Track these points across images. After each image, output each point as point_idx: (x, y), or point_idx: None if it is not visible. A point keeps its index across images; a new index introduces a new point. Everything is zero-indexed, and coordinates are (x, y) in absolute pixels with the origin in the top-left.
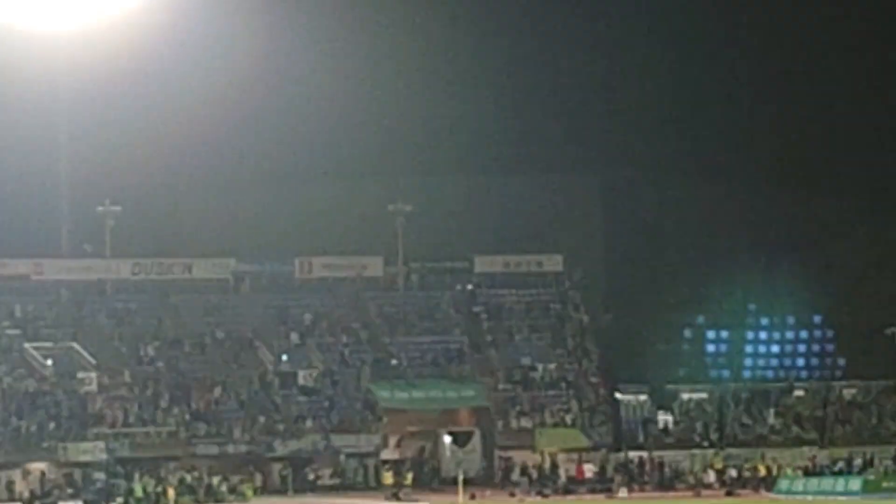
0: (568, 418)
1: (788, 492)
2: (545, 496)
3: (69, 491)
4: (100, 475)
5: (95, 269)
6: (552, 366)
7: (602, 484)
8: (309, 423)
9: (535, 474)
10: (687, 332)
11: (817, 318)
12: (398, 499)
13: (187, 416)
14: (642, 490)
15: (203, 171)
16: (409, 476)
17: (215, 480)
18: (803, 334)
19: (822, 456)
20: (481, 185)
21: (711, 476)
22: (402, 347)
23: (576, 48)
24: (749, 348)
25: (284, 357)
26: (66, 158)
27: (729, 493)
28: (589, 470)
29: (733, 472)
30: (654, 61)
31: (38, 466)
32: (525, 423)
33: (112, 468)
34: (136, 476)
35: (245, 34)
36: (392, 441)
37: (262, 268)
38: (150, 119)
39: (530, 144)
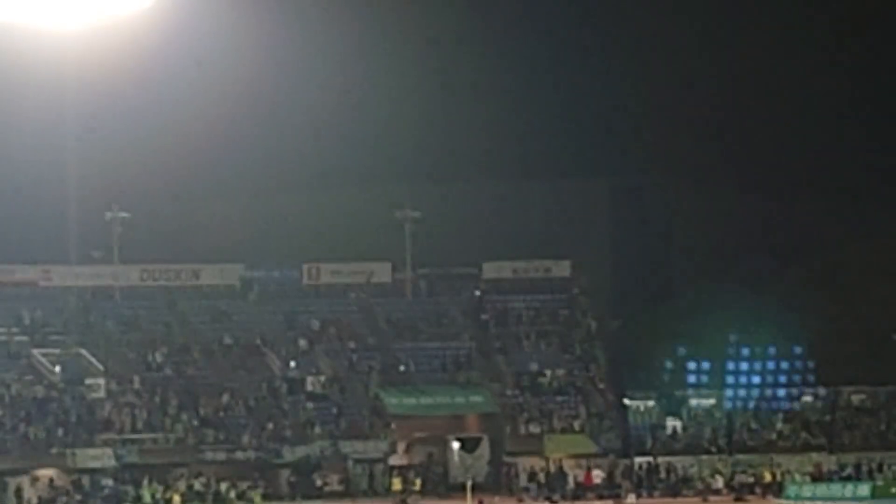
0: (576, 424)
1: (797, 497)
2: (553, 502)
3: (77, 497)
4: (108, 481)
5: (103, 276)
6: (560, 371)
7: (610, 490)
8: (317, 430)
9: (543, 480)
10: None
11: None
12: None
13: (195, 423)
14: (650, 496)
15: (211, 177)
16: (418, 482)
17: (223, 487)
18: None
19: (831, 461)
20: (489, 192)
21: (720, 482)
22: (411, 353)
23: (583, 54)
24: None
25: (292, 363)
26: (74, 164)
27: (737, 499)
28: (597, 476)
29: (742, 478)
30: (663, 68)
31: (46, 473)
32: (533, 428)
33: (120, 474)
34: (145, 482)
35: (254, 40)
36: (400, 447)
37: (271, 274)
38: (158, 125)
39: (538, 151)
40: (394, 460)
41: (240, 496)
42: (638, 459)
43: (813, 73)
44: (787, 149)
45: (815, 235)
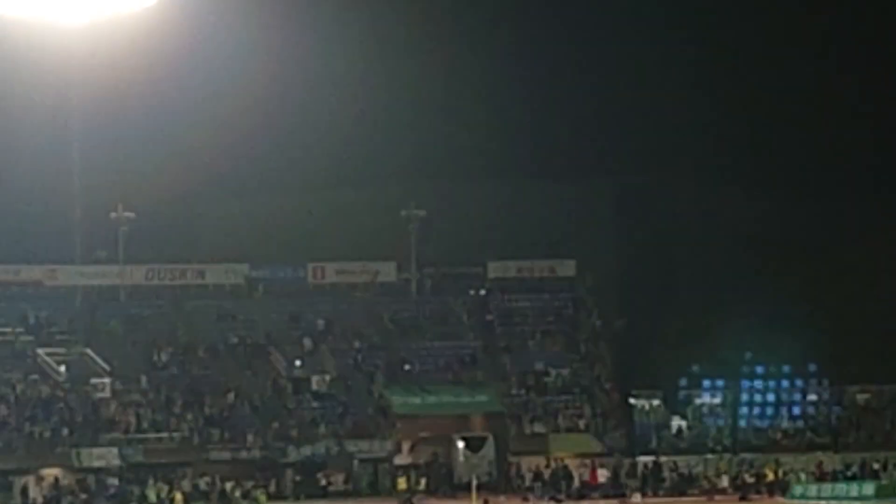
0: (581, 423)
1: (802, 497)
2: (558, 501)
3: (83, 496)
4: (113, 481)
5: (109, 275)
6: (565, 371)
7: (615, 489)
8: (322, 429)
9: (548, 479)
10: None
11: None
12: None
13: (201, 422)
14: (656, 495)
15: (216, 177)
16: (423, 481)
17: (228, 486)
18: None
19: (836, 461)
20: (494, 191)
21: (725, 481)
22: (416, 353)
23: (590, 54)
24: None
25: (298, 362)
26: (79, 164)
27: (742, 498)
28: (602, 475)
29: (747, 477)
30: (669, 67)
31: (51, 472)
32: (538, 428)
33: (125, 474)
34: (150, 482)
35: (260, 39)
36: (405, 446)
37: (276, 273)
38: (163, 125)
39: (543, 150)
40: (399, 460)
41: (245, 495)
42: (643, 459)
43: (820, 71)
44: (793, 148)
45: (821, 234)
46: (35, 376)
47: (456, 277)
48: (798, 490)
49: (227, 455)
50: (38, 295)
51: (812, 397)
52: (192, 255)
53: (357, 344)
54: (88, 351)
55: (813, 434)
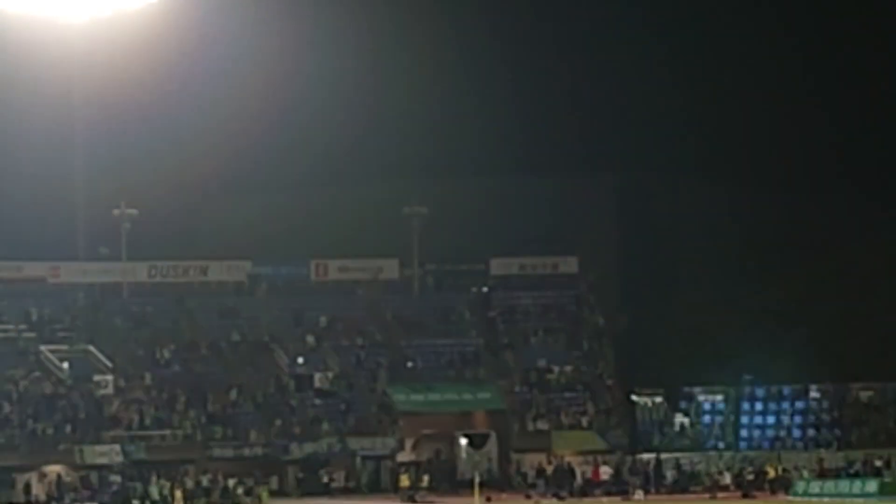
0: (584, 420)
1: (805, 494)
2: (561, 498)
3: (85, 493)
4: (116, 478)
5: (112, 272)
6: (568, 368)
7: (618, 486)
8: (325, 426)
9: (550, 476)
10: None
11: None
12: (414, 501)
13: (203, 419)
14: (658, 492)
15: (219, 174)
16: (425, 478)
17: (231, 483)
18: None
19: (839, 458)
20: (496, 188)
21: (727, 478)
22: (418, 350)
23: (591, 51)
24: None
25: (300, 360)
26: (82, 161)
27: (745, 496)
28: (605, 472)
29: (749, 475)
30: (671, 64)
31: (54, 469)
32: (541, 425)
33: (128, 471)
34: (153, 479)
35: (262, 37)
36: (408, 443)
37: (278, 270)
38: (166, 122)
39: (546, 147)
40: (401, 457)
41: (247, 493)
42: (645, 456)
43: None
44: (795, 146)
45: (823, 232)
46: (38, 373)
47: (458, 274)
48: (800, 487)
49: (229, 452)
50: (41, 292)
51: (815, 395)
52: (195, 252)
53: (359, 341)
54: (91, 348)
55: (816, 431)
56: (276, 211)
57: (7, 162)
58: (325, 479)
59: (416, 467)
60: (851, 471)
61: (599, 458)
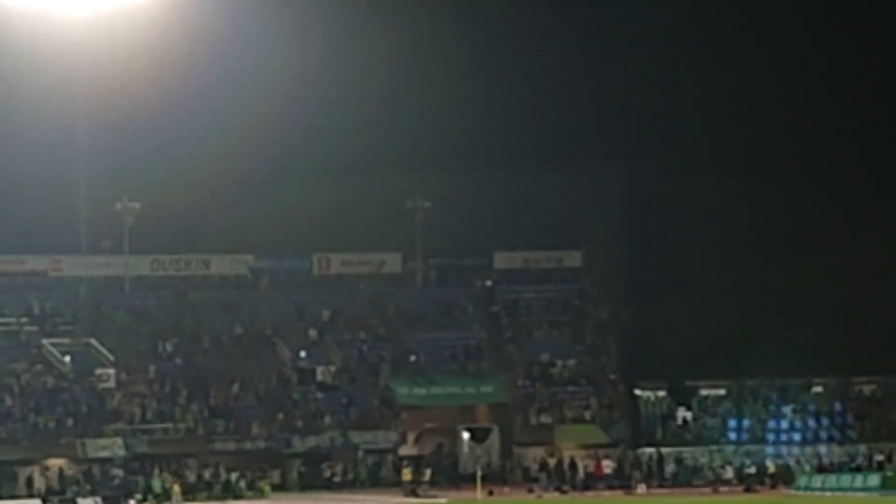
0: (587, 414)
1: (807, 488)
2: (563, 492)
3: (87, 487)
4: (118, 471)
5: (114, 266)
6: (571, 362)
7: (620, 480)
8: (327, 420)
9: (553, 470)
10: None
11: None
12: (416, 495)
13: (205, 413)
14: (661, 486)
15: (221, 167)
16: (428, 472)
17: (233, 477)
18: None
19: (841, 452)
20: (500, 182)
21: (730, 472)
22: (421, 344)
23: (597, 42)
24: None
25: (303, 353)
26: (84, 155)
27: (747, 490)
28: (607, 466)
29: (751, 469)
30: (678, 54)
31: (56, 462)
32: (544, 419)
33: (130, 464)
34: (155, 472)
35: (264, 31)
36: (410, 437)
37: (281, 264)
38: (169, 116)
39: (550, 140)
40: (404, 451)
41: (249, 486)
42: (648, 450)
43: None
44: (802, 139)
45: (827, 226)
46: (40, 367)
47: (461, 268)
48: (803, 481)
49: (231, 446)
50: (43, 285)
51: (818, 389)
52: (197, 245)
53: (362, 335)
54: (93, 341)
55: (818, 425)
56: (278, 205)
57: (9, 155)
58: (327, 473)
59: (418, 461)
60: (853, 465)
61: (602, 452)
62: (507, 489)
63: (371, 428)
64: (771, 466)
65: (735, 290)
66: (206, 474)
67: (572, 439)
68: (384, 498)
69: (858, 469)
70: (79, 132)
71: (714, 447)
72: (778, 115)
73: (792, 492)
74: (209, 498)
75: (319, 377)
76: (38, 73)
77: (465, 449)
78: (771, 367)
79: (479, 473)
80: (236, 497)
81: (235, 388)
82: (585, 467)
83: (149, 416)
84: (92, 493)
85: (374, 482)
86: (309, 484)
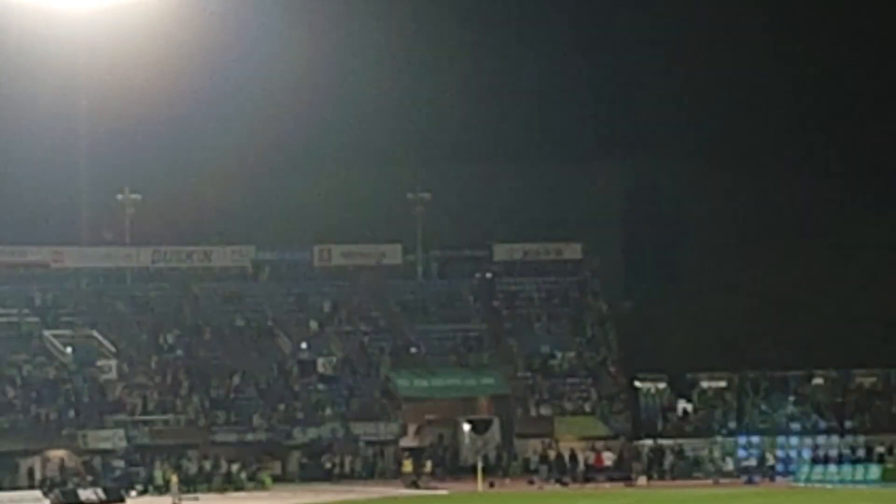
0: (587, 406)
1: (807, 480)
2: (564, 484)
3: (88, 478)
4: (119, 463)
5: (115, 257)
6: (571, 354)
7: (621, 472)
8: (328, 411)
9: (553, 462)
10: None
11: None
12: (417, 486)
13: (206, 404)
14: (661, 478)
15: (222, 159)
16: (428, 464)
17: (234, 468)
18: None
19: (841, 444)
20: (500, 174)
21: (730, 464)
22: (422, 335)
23: (595, 35)
24: None
25: (303, 345)
26: (85, 146)
27: (748, 482)
28: (608, 458)
29: (752, 461)
30: (676, 49)
31: (57, 454)
32: (544, 411)
33: (131, 456)
34: (156, 464)
35: (266, 23)
36: (411, 429)
37: (282, 256)
38: (169, 107)
39: (550, 132)
40: (405, 442)
41: (250, 478)
42: (648, 442)
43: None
44: (800, 132)
45: (827, 219)
46: (41, 358)
47: (462, 260)
48: (803, 474)
49: (232, 437)
50: (44, 277)
51: (818, 381)
52: (199, 237)
53: (363, 327)
54: (95, 333)
55: (818, 417)
56: (279, 196)
57: (10, 146)
58: (328, 465)
59: (419, 453)
60: (854, 457)
61: (602, 444)
62: (507, 481)
63: (372, 419)
64: (771, 458)
65: (736, 281)
66: (207, 465)
67: (572, 431)
68: (385, 489)
69: (858, 461)
70: (80, 124)
71: (714, 439)
72: (778, 109)
73: (792, 484)
74: (210, 489)
75: (320, 369)
76: (39, 65)
77: (466, 441)
78: (771, 358)
79: (480, 465)
80: (237, 488)
81: (236, 379)
82: (586, 459)
83: (150, 407)
84: (93, 485)
85: (375, 474)
86: (310, 475)
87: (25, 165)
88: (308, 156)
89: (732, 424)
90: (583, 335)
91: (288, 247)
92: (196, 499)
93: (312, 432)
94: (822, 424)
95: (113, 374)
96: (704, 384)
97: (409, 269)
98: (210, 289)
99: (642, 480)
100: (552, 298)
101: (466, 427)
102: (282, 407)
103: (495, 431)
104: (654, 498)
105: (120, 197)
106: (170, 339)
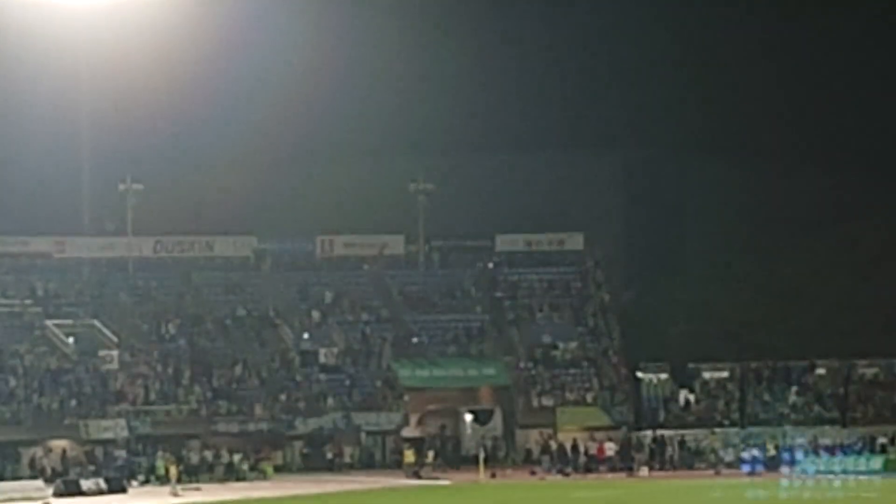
0: (589, 397)
1: (809, 471)
2: (566, 474)
3: (91, 468)
4: (121, 453)
5: (117, 247)
6: (573, 344)
7: (623, 462)
8: (330, 402)
9: (555, 452)
10: None
11: None
12: (419, 477)
13: (208, 394)
14: (663, 469)
15: (224, 149)
16: (430, 454)
17: (236, 458)
18: None
19: (843, 435)
20: (502, 164)
21: (732, 455)
22: (424, 326)
23: (596, 25)
24: None
25: (305, 335)
26: (87, 136)
27: (750, 472)
28: (609, 448)
29: (754, 451)
30: (677, 38)
31: (59, 444)
32: (546, 401)
33: (133, 446)
34: (158, 453)
35: (267, 15)
36: (413, 419)
37: (284, 246)
38: (171, 96)
39: (552, 122)
40: (406, 432)
41: (252, 468)
42: (650, 432)
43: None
44: (802, 121)
45: (829, 208)
46: (43, 348)
47: (464, 250)
48: (804, 464)
49: (234, 427)
50: (46, 267)
51: (820, 371)
52: (201, 227)
53: (365, 317)
54: (96, 323)
55: (820, 408)
56: (282, 186)
57: (12, 136)
58: (330, 455)
59: (420, 443)
60: (856, 448)
61: (604, 435)
62: (509, 471)
63: (374, 409)
64: (772, 449)
65: (738, 272)
66: (209, 455)
67: (574, 422)
68: (387, 479)
69: (860, 452)
70: (82, 114)
71: (716, 430)
72: (778, 99)
73: (794, 474)
74: (212, 479)
75: (322, 359)
76: (41, 55)
77: (468, 431)
78: (774, 349)
79: (482, 455)
80: (239, 478)
81: (238, 369)
82: (587, 449)
83: (152, 397)
84: (95, 475)
85: (377, 464)
86: (311, 465)
87: (27, 156)
88: (310, 146)
89: (734, 415)
90: (585, 325)
91: (290, 237)
92: (198, 489)
93: (314, 422)
94: (825, 415)
95: (115, 364)
96: (706, 374)
97: (412, 260)
98: (212, 279)
99: (644, 471)
100: (554, 289)
101: (468, 417)
102: (283, 397)
103: (497, 422)
104: (655, 488)
105: (122, 187)
106: (171, 329)
